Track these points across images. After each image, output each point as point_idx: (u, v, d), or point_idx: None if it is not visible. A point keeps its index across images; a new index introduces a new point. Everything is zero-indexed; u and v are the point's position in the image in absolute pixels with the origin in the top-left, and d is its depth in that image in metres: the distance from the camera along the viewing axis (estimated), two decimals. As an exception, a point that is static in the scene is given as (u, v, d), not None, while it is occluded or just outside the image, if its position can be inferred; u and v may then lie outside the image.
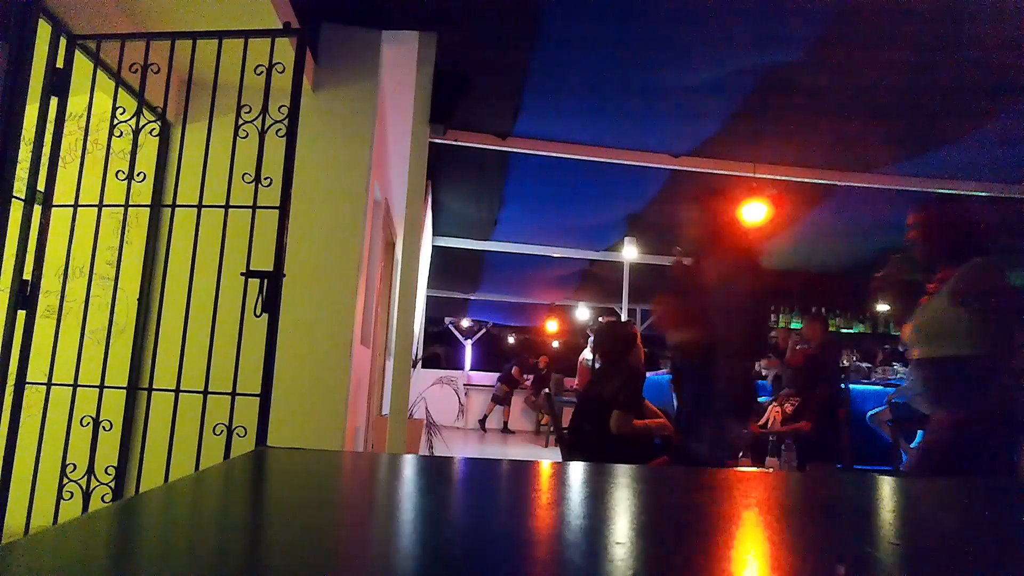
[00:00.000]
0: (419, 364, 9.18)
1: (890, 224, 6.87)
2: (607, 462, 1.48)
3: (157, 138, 3.22)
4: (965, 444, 2.07)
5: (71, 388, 2.50)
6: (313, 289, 3.44)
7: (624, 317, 8.15)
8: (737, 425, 2.57)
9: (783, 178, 5.60)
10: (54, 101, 2.64)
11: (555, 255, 8.83)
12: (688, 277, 2.41)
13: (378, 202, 4.75)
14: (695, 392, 2.28)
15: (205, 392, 2.46)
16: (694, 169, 5.55)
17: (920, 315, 2.29)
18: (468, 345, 13.20)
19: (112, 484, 2.54)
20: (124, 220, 2.62)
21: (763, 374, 6.49)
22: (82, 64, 2.69)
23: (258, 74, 2.49)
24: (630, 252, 7.69)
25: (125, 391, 2.74)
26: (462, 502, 1.00)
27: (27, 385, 2.53)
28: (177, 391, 2.46)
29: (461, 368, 12.76)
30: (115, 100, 2.68)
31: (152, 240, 3.31)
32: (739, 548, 0.74)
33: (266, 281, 2.46)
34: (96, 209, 2.58)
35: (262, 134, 2.50)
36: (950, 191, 5.61)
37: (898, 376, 6.76)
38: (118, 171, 2.58)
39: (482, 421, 11.05)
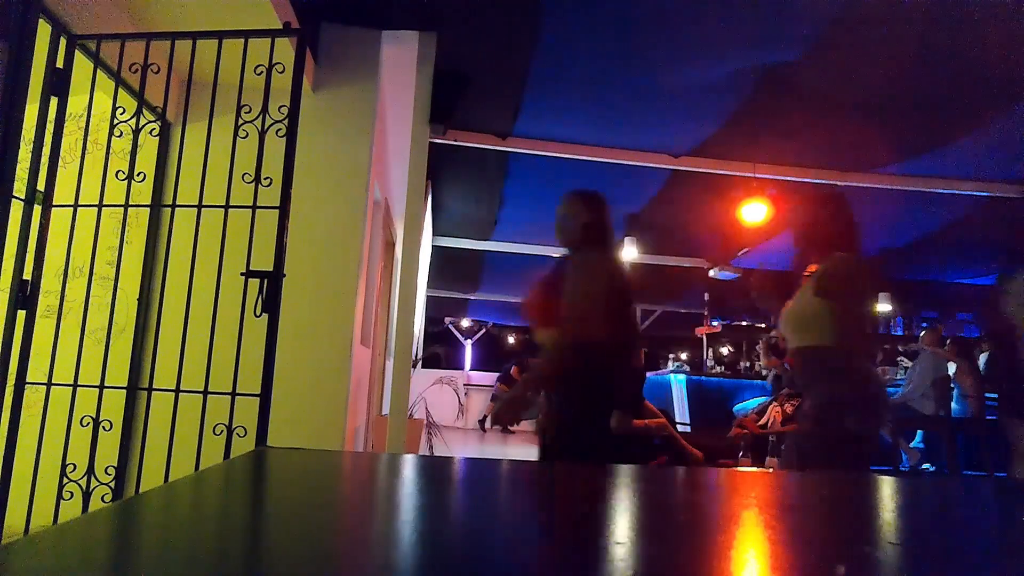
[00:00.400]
0: (419, 364, 9.17)
1: (890, 224, 6.90)
2: (607, 462, 1.48)
3: (157, 138, 3.22)
4: (830, 431, 2.14)
5: (71, 388, 2.50)
6: (313, 289, 3.44)
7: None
8: (624, 418, 2.62)
9: (783, 178, 5.60)
10: (54, 101, 2.64)
11: (555, 255, 8.82)
12: (559, 274, 2.45)
13: (378, 202, 4.75)
14: (571, 390, 2.30)
15: (205, 392, 2.45)
16: (694, 169, 5.56)
17: (790, 307, 2.39)
18: (468, 345, 13.19)
19: (112, 484, 2.54)
20: (124, 220, 2.62)
21: (763, 374, 6.49)
22: (82, 64, 2.69)
23: (258, 74, 2.49)
24: (630, 252, 7.69)
25: (125, 391, 2.74)
26: (462, 502, 1.00)
27: (27, 385, 2.52)
28: (177, 391, 2.46)
29: (461, 368, 12.76)
30: (115, 100, 2.68)
31: (152, 240, 3.31)
32: (739, 548, 0.74)
33: (266, 281, 2.46)
34: (96, 209, 2.58)
35: (262, 134, 2.50)
36: (950, 191, 5.61)
37: (899, 376, 6.77)
38: (118, 171, 2.58)
39: (482, 421, 11.04)
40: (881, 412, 2.28)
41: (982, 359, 5.99)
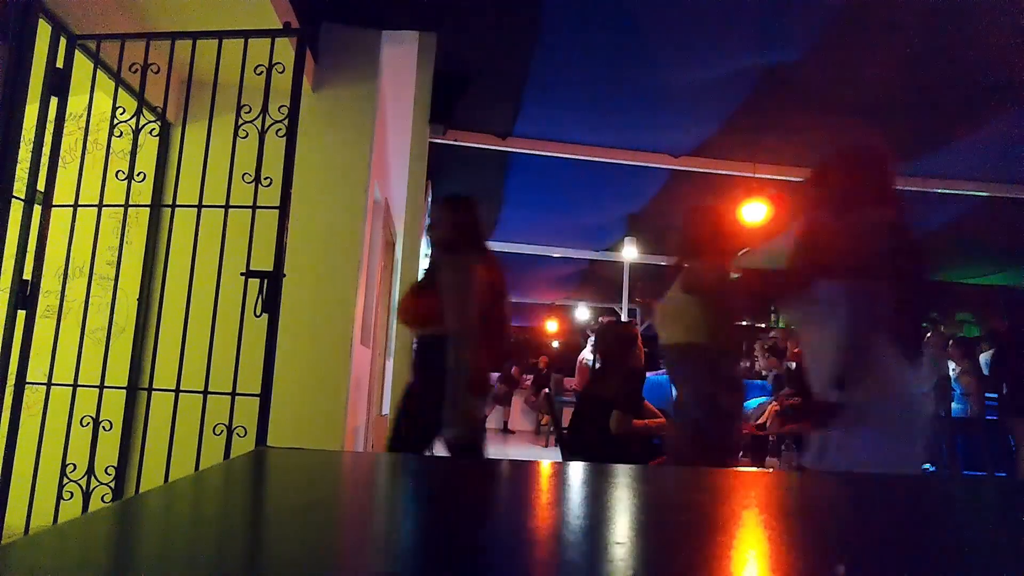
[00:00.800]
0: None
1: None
2: (607, 462, 1.48)
3: (157, 138, 3.22)
4: (696, 428, 2.22)
5: (71, 388, 2.50)
6: (313, 289, 3.44)
7: (624, 317, 8.15)
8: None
9: (783, 178, 5.60)
10: (54, 101, 2.64)
11: (555, 255, 8.83)
12: (431, 275, 2.59)
13: (378, 202, 4.75)
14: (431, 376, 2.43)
15: (205, 392, 2.45)
16: (694, 169, 5.56)
17: (662, 304, 2.50)
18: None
19: (112, 484, 2.54)
20: (124, 220, 2.62)
21: (763, 374, 6.50)
22: (82, 64, 2.69)
23: (258, 74, 2.49)
24: (630, 252, 7.70)
25: (125, 391, 2.74)
26: (462, 502, 1.00)
27: (27, 385, 2.52)
28: (177, 391, 2.46)
29: (461, 368, 12.70)
30: (115, 100, 2.68)
31: (152, 240, 3.31)
32: (739, 548, 0.74)
33: (266, 281, 2.46)
34: (96, 209, 2.58)
35: (262, 134, 2.50)
36: (950, 191, 5.61)
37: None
38: (118, 171, 2.58)
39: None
40: (734, 414, 2.33)
41: (982, 358, 5.99)
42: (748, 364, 7.64)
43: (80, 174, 2.63)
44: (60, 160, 2.68)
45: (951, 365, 5.73)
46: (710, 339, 2.23)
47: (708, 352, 2.25)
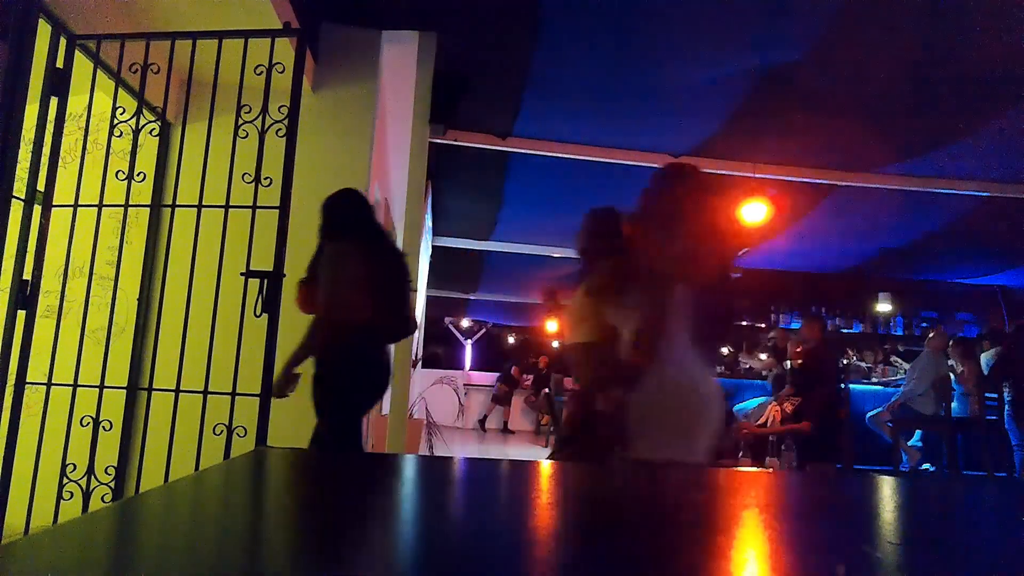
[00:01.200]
0: (419, 364, 9.17)
1: (890, 224, 6.90)
2: (607, 462, 1.48)
3: (157, 138, 3.22)
4: (590, 425, 2.24)
5: (71, 388, 2.50)
6: (313, 289, 3.44)
7: (624, 317, 8.13)
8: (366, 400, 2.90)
9: (783, 178, 5.60)
10: (54, 101, 2.64)
11: (555, 255, 8.83)
12: (315, 264, 2.71)
13: (378, 202, 4.75)
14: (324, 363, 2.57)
15: (205, 392, 2.46)
16: (694, 169, 5.54)
17: (569, 306, 2.59)
18: (468, 345, 13.18)
19: (112, 484, 2.54)
20: (124, 220, 2.62)
21: (763, 374, 6.50)
22: (82, 64, 2.69)
23: (258, 74, 2.49)
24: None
25: (125, 391, 2.74)
26: (462, 502, 1.00)
27: (27, 385, 2.52)
28: (177, 391, 2.46)
29: (461, 368, 12.75)
30: (115, 100, 2.68)
31: (152, 240, 3.31)
32: (739, 548, 0.74)
33: (266, 281, 2.46)
34: (96, 209, 2.58)
35: (262, 134, 2.50)
36: (950, 191, 5.61)
37: (899, 376, 6.77)
38: (118, 171, 2.58)
39: (482, 421, 11.04)
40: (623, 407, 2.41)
41: (984, 358, 5.98)
42: (747, 364, 7.64)
43: (80, 174, 2.63)
44: (60, 160, 2.68)
45: (951, 366, 5.73)
46: (608, 338, 2.27)
47: (604, 350, 2.29)
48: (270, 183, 2.49)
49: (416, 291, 2.57)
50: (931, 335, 5.97)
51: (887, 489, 1.29)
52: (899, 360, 8.12)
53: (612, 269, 2.31)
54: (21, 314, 2.55)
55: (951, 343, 5.93)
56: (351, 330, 2.53)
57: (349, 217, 2.69)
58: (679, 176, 2.05)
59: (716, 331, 1.99)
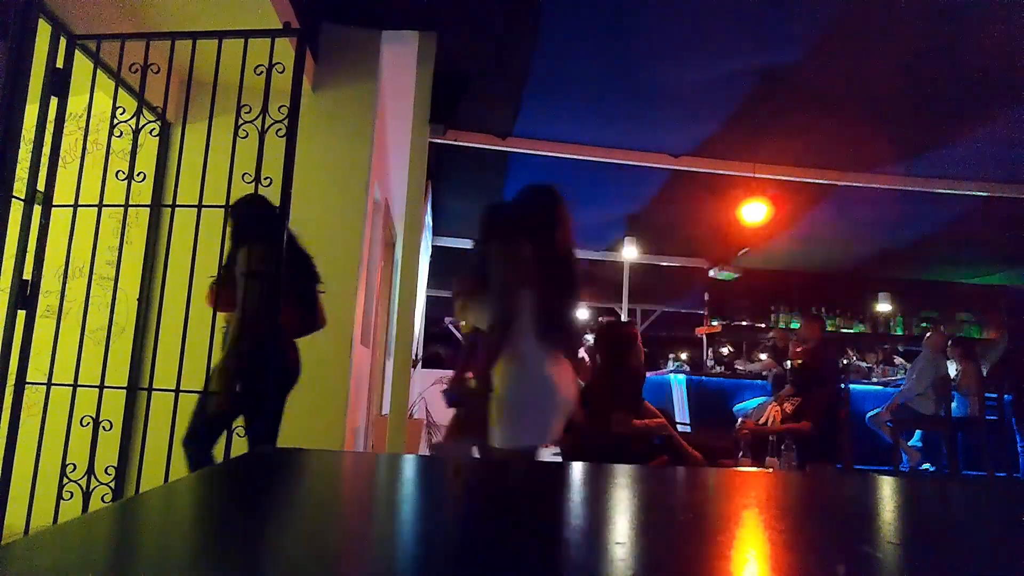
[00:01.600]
0: (419, 364, 9.16)
1: (890, 224, 6.90)
2: (607, 462, 1.48)
3: (157, 138, 3.22)
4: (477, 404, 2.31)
5: (71, 388, 2.50)
6: (313, 289, 3.44)
7: (624, 317, 8.14)
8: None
9: (783, 178, 5.60)
10: (54, 101, 2.64)
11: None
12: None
13: (378, 202, 4.75)
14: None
15: (205, 392, 2.45)
16: (694, 169, 5.55)
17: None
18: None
19: (112, 484, 2.54)
20: (124, 220, 2.62)
21: (763, 374, 6.50)
22: (82, 64, 2.69)
23: (258, 74, 2.49)
24: (630, 252, 7.69)
25: (125, 391, 2.74)
26: (462, 502, 1.00)
27: (27, 385, 2.52)
28: (177, 391, 2.46)
29: (461, 368, 12.69)
30: (115, 100, 2.68)
31: (152, 240, 3.31)
32: (739, 548, 0.74)
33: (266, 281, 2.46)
34: (96, 209, 2.58)
35: (262, 134, 2.50)
36: (950, 191, 5.61)
37: (899, 376, 6.77)
38: (118, 171, 2.58)
39: None
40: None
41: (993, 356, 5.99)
42: (747, 364, 7.64)
43: (80, 174, 2.63)
44: (60, 160, 2.68)
45: (951, 366, 5.73)
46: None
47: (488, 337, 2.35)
48: (270, 183, 2.49)
49: (325, 291, 2.60)
50: (928, 334, 5.96)
51: (887, 489, 1.29)
52: (902, 360, 8.12)
53: (471, 275, 2.42)
54: (21, 314, 2.55)
55: (950, 343, 5.93)
56: (264, 327, 2.55)
57: (258, 221, 2.68)
58: (536, 195, 2.28)
59: (559, 330, 2.17)
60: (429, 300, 10.55)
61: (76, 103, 2.76)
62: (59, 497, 2.43)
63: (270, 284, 2.47)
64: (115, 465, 2.64)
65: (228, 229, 2.67)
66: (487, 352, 1.97)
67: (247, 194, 2.59)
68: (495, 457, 1.97)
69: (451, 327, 13.27)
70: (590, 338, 9.41)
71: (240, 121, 2.51)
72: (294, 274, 2.70)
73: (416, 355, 7.75)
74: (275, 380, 2.58)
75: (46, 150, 2.63)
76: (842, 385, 5.04)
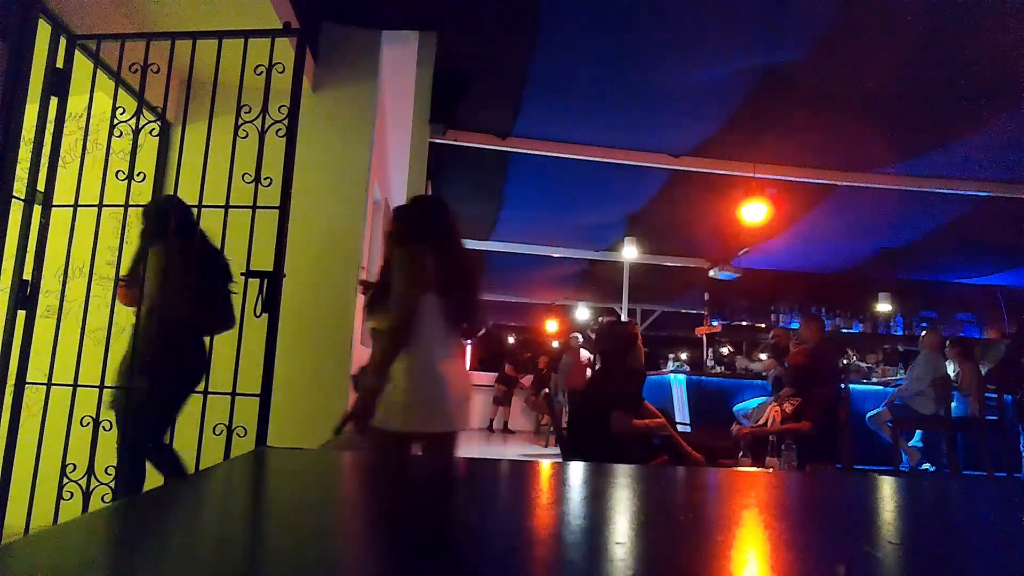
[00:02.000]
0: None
1: (890, 224, 6.90)
2: (607, 462, 1.48)
3: (157, 138, 3.22)
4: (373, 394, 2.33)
5: (71, 388, 2.50)
6: (313, 289, 3.44)
7: (624, 317, 8.14)
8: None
9: (783, 178, 5.59)
10: (54, 101, 2.64)
11: (555, 255, 8.83)
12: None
13: (378, 202, 4.75)
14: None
15: (205, 392, 2.46)
16: (694, 169, 5.55)
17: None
18: (468, 345, 13.17)
19: (112, 484, 2.54)
20: (124, 220, 2.62)
21: (763, 374, 6.49)
22: (82, 64, 2.69)
23: (258, 74, 2.49)
24: (630, 252, 7.69)
25: (125, 391, 2.74)
26: (461, 502, 1.00)
27: (27, 385, 2.52)
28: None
29: (461, 368, 12.70)
30: (115, 100, 2.68)
31: (152, 240, 3.30)
32: (739, 548, 0.74)
33: (266, 281, 2.46)
34: (96, 209, 2.58)
35: (262, 134, 2.50)
36: (950, 191, 5.61)
37: (899, 376, 6.77)
38: (118, 171, 2.58)
39: (490, 424, 11.06)
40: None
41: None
42: (746, 364, 7.64)
43: (80, 174, 2.63)
44: (60, 160, 2.68)
45: (950, 366, 5.72)
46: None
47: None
48: (270, 183, 2.49)
49: (237, 292, 2.61)
50: (924, 334, 5.96)
51: (887, 489, 1.29)
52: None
53: (379, 278, 2.51)
54: (21, 314, 2.55)
55: (948, 342, 5.92)
56: (174, 323, 2.57)
57: (170, 222, 2.66)
58: (426, 206, 2.44)
59: (461, 329, 2.33)
60: (429, 300, 10.53)
61: (76, 103, 2.76)
62: (59, 497, 2.43)
63: (179, 282, 2.50)
64: (115, 465, 2.64)
65: (140, 229, 2.68)
66: (385, 350, 2.09)
67: (162, 195, 2.61)
68: (374, 438, 2.07)
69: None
70: (580, 336, 9.47)
71: (240, 121, 2.51)
72: (206, 273, 2.70)
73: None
74: (177, 374, 2.58)
75: (46, 150, 2.63)
76: (842, 385, 5.04)
